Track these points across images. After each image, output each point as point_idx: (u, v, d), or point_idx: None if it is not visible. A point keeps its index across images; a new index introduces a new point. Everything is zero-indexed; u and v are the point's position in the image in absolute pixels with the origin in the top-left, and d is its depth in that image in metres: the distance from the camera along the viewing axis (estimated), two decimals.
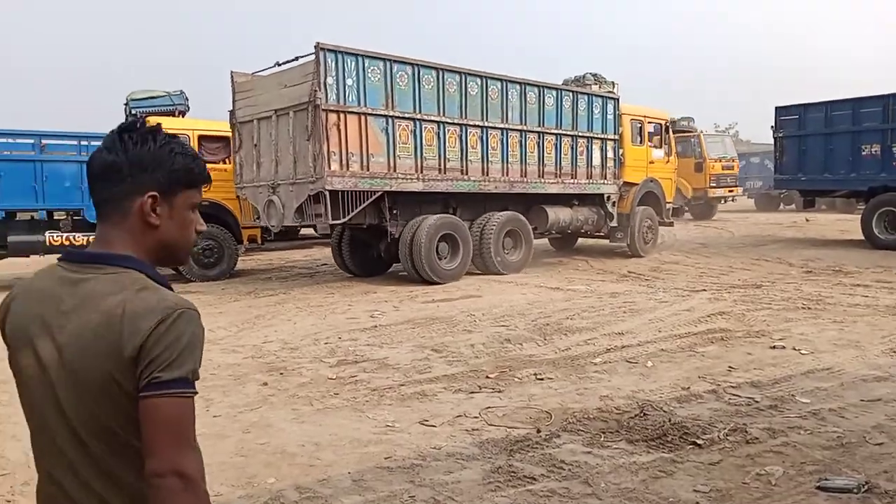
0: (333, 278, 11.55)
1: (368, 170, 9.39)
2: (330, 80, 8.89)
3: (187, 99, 14.27)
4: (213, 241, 11.44)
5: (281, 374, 5.70)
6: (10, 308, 1.33)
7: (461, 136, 10.48)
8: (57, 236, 10.88)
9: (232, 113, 10.69)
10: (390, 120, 9.57)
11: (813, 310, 7.80)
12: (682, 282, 10.27)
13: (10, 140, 10.87)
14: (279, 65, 9.86)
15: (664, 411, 4.50)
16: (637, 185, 13.57)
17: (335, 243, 11.56)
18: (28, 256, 11.47)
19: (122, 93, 14.97)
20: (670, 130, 14.70)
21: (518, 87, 11.26)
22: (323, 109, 8.84)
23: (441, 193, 10.67)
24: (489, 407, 4.68)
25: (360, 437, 4.18)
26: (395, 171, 9.68)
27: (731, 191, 23.99)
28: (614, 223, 13.34)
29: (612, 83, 13.57)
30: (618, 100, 13.17)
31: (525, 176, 11.46)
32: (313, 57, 8.99)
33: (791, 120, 15.32)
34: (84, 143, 11.06)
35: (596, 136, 12.69)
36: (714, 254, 14.00)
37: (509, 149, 11.17)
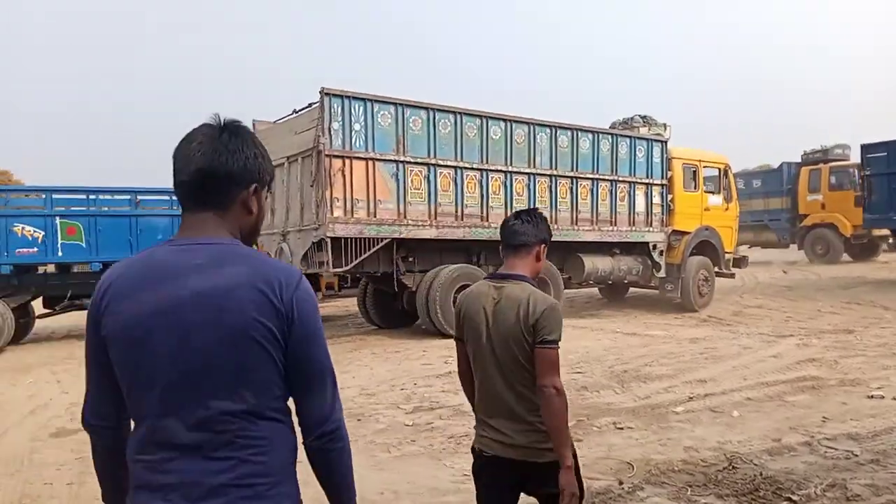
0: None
1: (375, 216, 9.08)
2: (336, 126, 8.70)
3: None
4: None
5: (359, 420, 5.77)
6: (465, 306, 2.46)
7: (481, 181, 10.09)
8: None
9: None
10: (401, 165, 9.27)
11: None
12: (767, 326, 9.86)
13: (110, 196, 11.62)
14: (296, 112, 9.70)
15: (755, 464, 4.30)
16: (689, 233, 12.58)
17: (360, 294, 11.38)
18: None
19: None
20: (730, 174, 13.69)
21: (548, 130, 10.85)
22: (326, 155, 8.64)
23: (463, 241, 10.23)
24: None
25: (438, 485, 4.17)
26: (405, 217, 9.35)
27: None
28: (662, 273, 12.43)
29: (664, 125, 12.89)
30: (665, 142, 12.45)
31: (556, 223, 10.80)
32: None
33: (879, 157, 14.65)
34: (175, 197, 11.72)
35: (639, 181, 11.99)
36: (800, 297, 13.39)
37: (537, 194, 10.70)
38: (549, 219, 9.85)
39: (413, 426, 5.50)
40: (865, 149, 15.06)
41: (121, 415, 1.45)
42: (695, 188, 12.92)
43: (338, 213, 8.74)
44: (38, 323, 11.93)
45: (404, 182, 9.30)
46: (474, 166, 9.99)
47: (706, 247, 12.97)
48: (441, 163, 9.62)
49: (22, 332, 11.17)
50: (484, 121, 10.05)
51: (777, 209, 21.98)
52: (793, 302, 12.71)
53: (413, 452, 4.84)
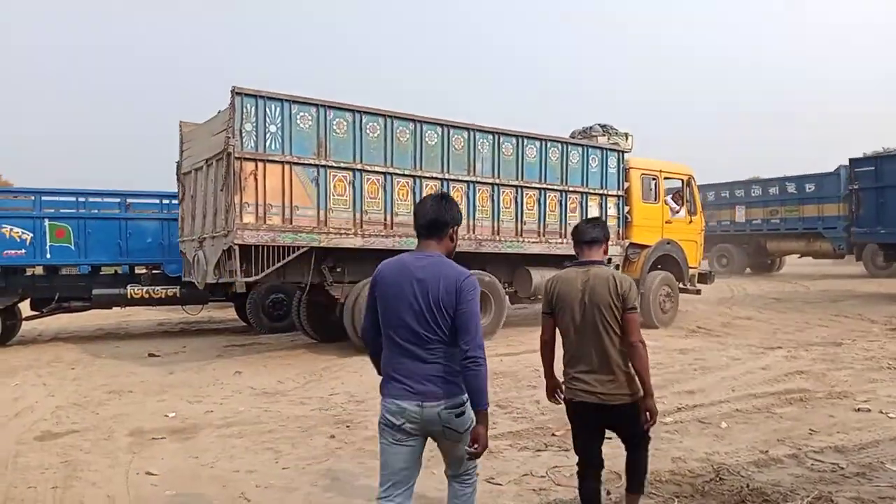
0: None
1: (292, 223, 8.39)
2: (248, 127, 8.06)
3: None
4: (283, 295, 11.76)
5: (347, 426, 5.75)
6: (557, 286, 3.35)
7: (414, 188, 9.39)
8: (138, 290, 11.42)
9: (178, 164, 10.21)
10: (322, 170, 8.59)
11: None
12: (756, 338, 9.91)
13: (99, 199, 11.57)
14: (220, 113, 8.80)
15: (742, 476, 4.32)
16: (649, 247, 11.87)
17: (294, 305, 10.79)
18: (110, 308, 12.08)
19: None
20: (693, 186, 12.91)
21: (490, 137, 10.17)
22: (236, 157, 7.98)
23: (399, 251, 9.59)
24: (556, 466, 4.59)
25: (425, 492, 4.15)
26: (326, 225, 8.65)
27: None
28: None
29: (625, 135, 12.20)
30: (622, 152, 11.77)
31: (498, 234, 10.20)
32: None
33: (867, 171, 14.79)
34: (165, 201, 11.70)
35: (592, 191, 11.30)
36: (789, 309, 13.48)
37: (477, 203, 10.02)
38: (491, 229, 9.50)
39: None
40: (853, 163, 15.25)
41: (378, 331, 2.85)
42: (655, 200, 12.28)
43: (248, 219, 8.08)
44: (25, 325, 11.83)
45: (326, 187, 8.64)
46: (406, 173, 9.32)
47: (668, 261, 12.27)
48: (368, 168, 8.98)
49: (8, 333, 11.09)
50: (418, 125, 9.44)
51: (832, 216, 20.33)
52: (781, 314, 12.78)
53: None
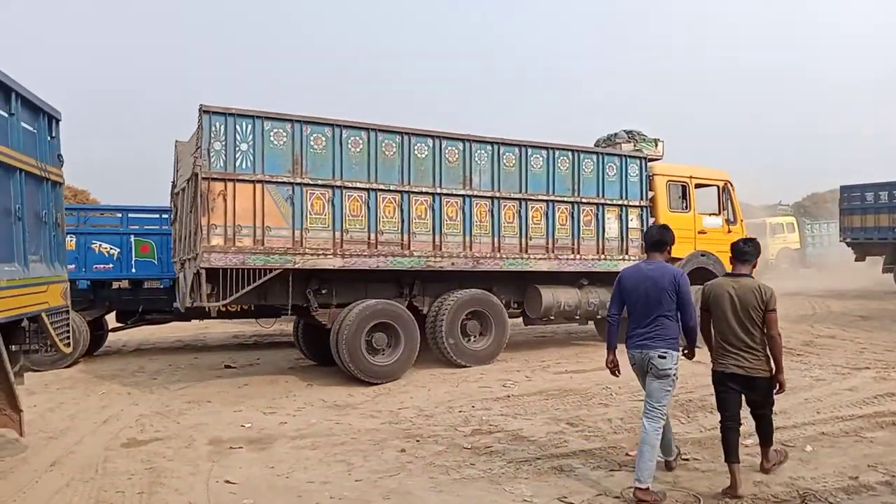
0: None
1: (264, 244, 8.01)
2: (217, 146, 7.79)
3: None
4: None
5: (417, 441, 5.78)
6: (712, 291, 4.64)
7: (401, 205, 8.86)
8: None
9: (173, 184, 10.00)
10: (298, 188, 8.21)
11: None
12: (841, 358, 9.42)
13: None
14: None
15: (829, 502, 4.11)
16: (681, 259, 10.69)
17: (294, 327, 10.63)
18: (189, 321, 12.54)
19: None
20: (732, 192, 11.88)
21: (489, 147, 9.54)
22: (203, 178, 7.70)
23: (393, 272, 9.07)
24: (630, 486, 4.48)
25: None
26: (302, 245, 8.21)
27: None
28: None
29: (655, 141, 11.42)
30: (644, 159, 10.94)
31: (500, 251, 9.53)
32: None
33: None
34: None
35: (610, 202, 10.48)
36: (876, 328, 12.76)
37: (474, 218, 9.36)
38: (491, 246, 9.31)
39: (472, 449, 5.48)
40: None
41: (621, 312, 4.67)
42: (685, 208, 11.36)
43: (216, 241, 7.78)
44: (111, 336, 12.44)
45: (302, 206, 8.24)
46: (392, 188, 8.80)
47: (706, 275, 10.63)
48: (349, 185, 8.51)
49: (96, 344, 11.67)
50: (405, 138, 8.94)
51: None
52: (868, 332, 12.11)
53: (472, 476, 4.81)
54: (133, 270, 11.37)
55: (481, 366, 9.42)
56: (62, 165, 6.17)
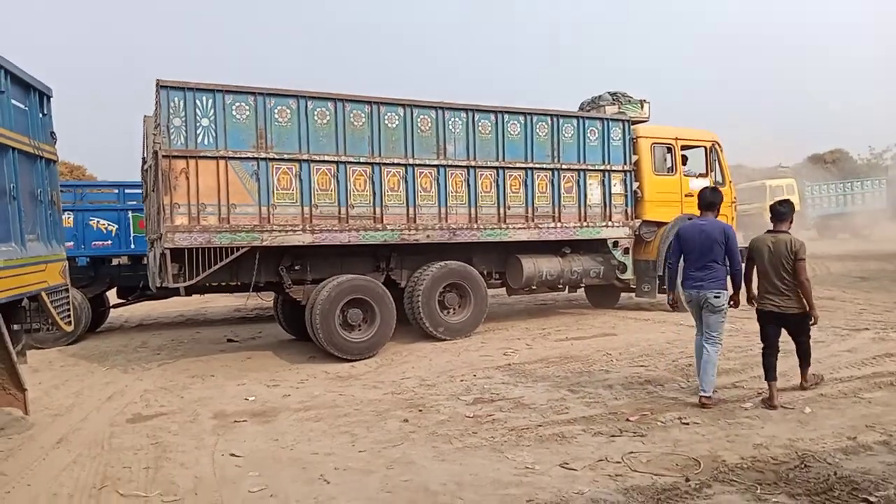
0: None
1: (229, 222, 7.84)
2: (177, 122, 7.57)
3: None
4: None
5: (420, 410, 5.83)
6: (755, 244, 5.76)
7: (372, 177, 8.65)
8: None
9: (143, 160, 9.59)
10: (263, 163, 8.01)
11: None
12: (840, 319, 9.47)
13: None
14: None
15: (828, 463, 4.15)
16: (667, 224, 10.76)
17: (275, 302, 10.51)
18: (190, 296, 12.56)
19: None
20: (720, 153, 11.60)
21: (463, 114, 9.26)
22: (164, 156, 7.50)
23: (368, 246, 8.90)
24: (632, 452, 4.53)
25: (500, 478, 4.18)
26: (269, 222, 8.05)
27: None
28: (628, 274, 10.78)
29: (641, 102, 11.18)
30: (628, 122, 10.65)
31: (477, 221, 9.33)
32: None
33: None
34: None
35: (592, 167, 10.23)
36: (875, 288, 12.81)
37: (449, 188, 9.17)
38: (467, 217, 9.44)
39: (474, 418, 5.52)
40: None
41: (679, 260, 6.01)
42: (671, 171, 11.13)
43: (180, 220, 7.60)
44: (113, 312, 12.49)
45: (268, 182, 8.06)
46: (361, 160, 8.57)
47: None
48: (316, 158, 8.30)
49: (98, 321, 11.73)
50: (374, 107, 8.65)
51: None
52: (867, 294, 12.16)
53: (475, 444, 4.86)
54: (132, 246, 11.37)
55: (461, 338, 9.32)
56: (55, 143, 6.12)
